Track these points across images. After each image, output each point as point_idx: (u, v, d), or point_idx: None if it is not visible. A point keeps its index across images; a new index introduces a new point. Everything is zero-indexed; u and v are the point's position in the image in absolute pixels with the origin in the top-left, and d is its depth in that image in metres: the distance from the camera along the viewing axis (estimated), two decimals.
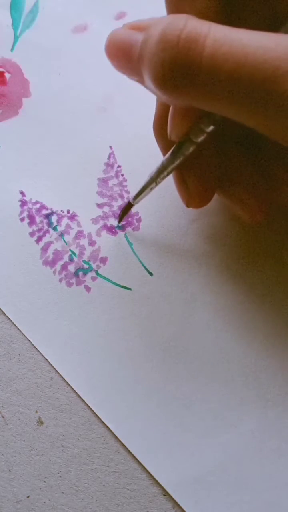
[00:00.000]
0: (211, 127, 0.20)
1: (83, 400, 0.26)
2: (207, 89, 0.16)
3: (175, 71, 0.16)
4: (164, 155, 0.24)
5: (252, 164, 0.23)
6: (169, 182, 0.29)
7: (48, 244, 0.28)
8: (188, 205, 0.24)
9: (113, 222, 0.28)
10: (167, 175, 0.23)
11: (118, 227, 0.28)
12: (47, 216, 0.29)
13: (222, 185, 0.24)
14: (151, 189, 0.24)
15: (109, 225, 0.28)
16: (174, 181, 0.24)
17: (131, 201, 0.26)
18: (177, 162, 0.22)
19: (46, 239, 0.28)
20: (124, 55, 0.19)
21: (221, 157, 0.23)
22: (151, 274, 0.27)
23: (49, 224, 0.28)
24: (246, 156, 0.23)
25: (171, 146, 0.22)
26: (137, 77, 0.19)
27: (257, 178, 0.23)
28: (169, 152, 0.22)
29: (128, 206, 0.27)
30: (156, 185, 0.24)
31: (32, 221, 0.29)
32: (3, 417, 0.26)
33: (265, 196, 0.23)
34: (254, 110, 0.16)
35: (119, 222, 0.28)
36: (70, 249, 0.28)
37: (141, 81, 0.19)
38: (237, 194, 0.23)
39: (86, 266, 0.27)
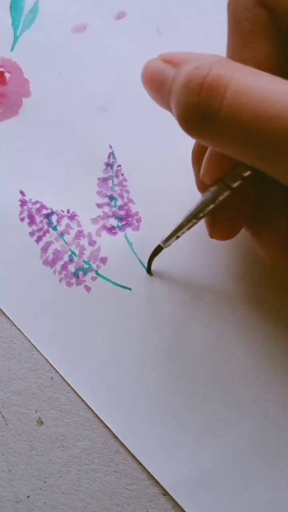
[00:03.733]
0: (248, 172, 0.19)
1: (83, 400, 0.26)
2: (225, 136, 0.17)
3: (196, 116, 0.17)
4: (197, 181, 0.23)
5: (283, 203, 0.22)
6: (169, 182, 0.29)
7: (48, 244, 0.28)
8: (211, 237, 0.23)
9: (113, 222, 0.28)
10: (199, 220, 0.22)
11: (118, 227, 0.28)
12: (47, 216, 0.29)
13: (249, 221, 0.23)
14: (183, 233, 0.23)
15: (109, 225, 0.28)
16: None
17: (162, 244, 0.25)
18: (210, 207, 0.21)
19: (46, 239, 0.28)
20: (157, 88, 0.19)
21: (253, 197, 0.22)
22: (151, 274, 0.27)
23: (49, 224, 0.28)
24: (280, 198, 0.22)
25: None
26: (169, 110, 0.20)
27: (286, 220, 0.22)
28: (202, 198, 0.21)
29: (158, 249, 0.26)
30: (187, 229, 0.23)
31: (32, 221, 0.29)
32: (3, 417, 0.26)
33: None
34: (272, 160, 0.16)
35: (148, 270, 0.27)
36: (70, 249, 0.28)
37: (172, 114, 0.19)
38: (263, 233, 0.22)
39: (86, 266, 0.27)
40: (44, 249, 0.28)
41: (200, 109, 0.17)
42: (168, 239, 0.24)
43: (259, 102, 0.16)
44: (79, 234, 0.28)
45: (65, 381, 0.26)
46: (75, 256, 0.28)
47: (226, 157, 0.19)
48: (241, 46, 0.19)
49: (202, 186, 0.23)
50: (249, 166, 0.19)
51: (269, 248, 0.22)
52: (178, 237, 0.24)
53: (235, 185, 0.20)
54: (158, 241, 0.26)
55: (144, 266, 0.27)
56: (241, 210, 0.22)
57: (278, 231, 0.22)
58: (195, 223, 0.22)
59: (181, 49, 0.30)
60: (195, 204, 0.22)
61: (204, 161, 0.21)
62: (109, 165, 0.29)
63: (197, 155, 0.23)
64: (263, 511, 0.24)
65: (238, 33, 0.19)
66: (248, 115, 0.16)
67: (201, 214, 0.22)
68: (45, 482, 0.25)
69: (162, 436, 0.25)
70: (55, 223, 0.28)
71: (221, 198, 0.21)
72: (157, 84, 0.19)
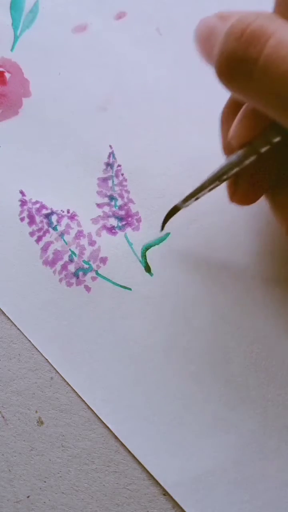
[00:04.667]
0: (278, 138, 0.19)
1: (83, 400, 0.26)
2: (260, 87, 0.16)
3: (232, 64, 0.17)
4: (223, 143, 0.23)
5: None
6: (169, 182, 0.29)
7: (48, 244, 0.28)
8: (231, 200, 0.23)
9: (113, 222, 0.28)
10: (222, 182, 0.22)
11: (118, 227, 0.28)
12: (47, 216, 0.29)
13: (271, 190, 0.23)
14: (203, 194, 0.23)
15: (109, 225, 0.28)
16: None
17: (179, 205, 0.24)
18: (235, 170, 0.21)
19: (46, 239, 0.28)
20: (204, 43, 0.19)
21: (278, 164, 0.22)
22: (151, 274, 0.27)
23: (49, 224, 0.28)
24: None
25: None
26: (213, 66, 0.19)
27: None
28: (227, 160, 0.21)
29: (174, 209, 0.25)
30: (209, 191, 0.22)
31: (32, 221, 0.29)
32: (3, 417, 0.26)
33: None
34: None
35: (162, 227, 0.26)
36: (70, 249, 0.28)
37: None
38: (282, 201, 0.22)
39: (86, 266, 0.27)
40: (44, 249, 0.28)
41: (238, 57, 0.16)
42: (187, 200, 0.23)
43: None
44: (79, 234, 0.28)
45: (65, 381, 0.26)
46: (75, 256, 0.28)
47: (257, 120, 0.19)
48: (286, 6, 0.18)
49: (228, 149, 0.22)
50: (279, 132, 0.18)
51: (287, 218, 0.22)
52: (197, 198, 0.23)
53: (263, 150, 0.19)
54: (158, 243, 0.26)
55: (144, 266, 0.27)
56: (264, 176, 0.22)
57: None
58: (217, 185, 0.22)
59: (181, 49, 0.31)
60: (220, 166, 0.21)
61: (235, 123, 0.20)
62: (109, 165, 0.29)
63: (227, 116, 0.22)
64: (263, 511, 0.24)
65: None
66: (286, 68, 0.15)
67: (225, 177, 0.21)
68: (45, 482, 0.25)
69: (162, 436, 0.25)
70: (55, 223, 0.28)
71: (247, 162, 0.20)
72: (205, 39, 0.19)
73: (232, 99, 0.22)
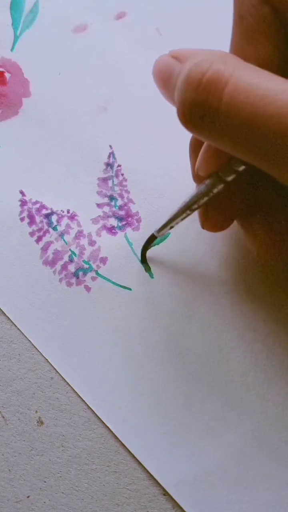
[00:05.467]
0: (242, 167, 0.19)
1: (83, 400, 0.26)
2: (223, 133, 0.17)
3: (193, 112, 0.17)
4: (192, 172, 0.23)
5: (276, 198, 0.22)
6: (169, 182, 0.29)
7: (48, 244, 0.28)
8: (203, 227, 0.23)
9: (113, 222, 0.28)
10: (193, 211, 0.22)
11: (118, 227, 0.28)
12: (47, 216, 0.29)
13: (241, 216, 0.23)
14: (177, 223, 0.24)
15: (109, 225, 0.28)
16: None
17: (155, 234, 0.25)
18: (204, 200, 0.21)
19: (46, 239, 0.28)
20: (164, 83, 0.20)
21: (246, 190, 0.22)
22: (151, 274, 0.27)
23: (49, 224, 0.28)
24: (273, 193, 0.22)
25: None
26: (174, 105, 0.20)
27: (277, 215, 0.22)
28: (196, 190, 0.21)
29: (151, 238, 0.26)
30: (181, 220, 0.23)
31: (32, 221, 0.29)
32: (3, 417, 0.26)
33: (280, 234, 0.22)
34: (270, 159, 0.16)
35: (142, 259, 0.27)
36: (70, 249, 0.28)
37: None
38: (253, 227, 0.23)
39: (86, 266, 0.27)
40: (44, 249, 0.28)
41: (198, 106, 0.17)
42: (162, 229, 0.25)
43: (258, 99, 0.16)
44: (79, 234, 0.28)
45: (65, 381, 0.26)
46: (75, 256, 0.28)
47: (221, 151, 0.19)
48: (244, 43, 0.19)
49: (197, 178, 0.23)
50: (243, 161, 0.19)
51: (258, 241, 0.23)
52: (172, 227, 0.24)
53: (230, 178, 0.20)
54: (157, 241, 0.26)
55: (144, 266, 0.27)
56: (234, 203, 0.22)
57: (268, 226, 0.22)
58: (188, 214, 0.23)
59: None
60: (190, 196, 0.22)
61: (200, 154, 0.21)
62: (109, 165, 0.29)
63: (194, 147, 0.23)
64: (263, 511, 0.24)
65: (242, 29, 0.19)
66: (247, 113, 0.16)
67: (195, 206, 0.22)
68: (45, 482, 0.25)
69: (162, 436, 0.25)
70: (55, 223, 0.28)
71: (215, 191, 0.21)
72: (164, 80, 0.19)
73: None
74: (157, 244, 0.27)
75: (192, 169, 0.23)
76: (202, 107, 0.17)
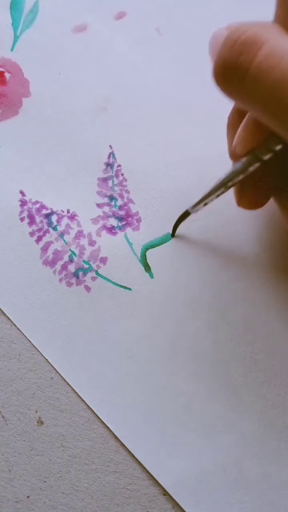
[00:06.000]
0: (280, 146, 0.19)
1: (83, 400, 0.26)
2: (251, 95, 0.17)
3: (225, 71, 0.17)
4: (229, 150, 0.23)
5: None
6: (169, 182, 0.29)
7: (48, 244, 0.28)
8: (239, 205, 0.23)
9: (113, 222, 0.28)
10: (228, 189, 0.22)
11: (118, 227, 0.28)
12: (47, 216, 0.29)
13: (277, 192, 0.23)
14: (211, 200, 0.24)
15: (109, 225, 0.28)
16: None
17: (190, 210, 0.25)
18: (240, 178, 0.21)
19: (46, 239, 0.28)
20: (214, 52, 0.20)
21: (283, 169, 0.22)
22: (151, 274, 0.27)
23: (49, 224, 0.28)
24: None
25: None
26: None
27: None
28: (232, 167, 0.21)
29: (185, 214, 0.26)
30: (216, 197, 0.23)
31: (32, 221, 0.29)
32: (3, 417, 0.26)
33: None
34: None
35: (173, 233, 0.27)
36: (70, 249, 0.28)
37: None
38: None
39: (86, 266, 0.27)
40: (44, 249, 0.28)
41: (230, 65, 0.17)
42: (196, 205, 0.25)
43: None
44: (79, 234, 0.28)
45: (65, 381, 0.26)
46: (75, 256, 0.28)
47: (259, 129, 0.19)
48: (286, 15, 0.19)
49: (234, 156, 0.23)
50: (280, 140, 0.19)
51: None
52: (206, 204, 0.24)
53: (266, 157, 0.20)
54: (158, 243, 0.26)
55: (144, 266, 0.27)
56: (270, 181, 0.22)
57: None
58: (223, 192, 0.23)
59: (181, 49, 0.31)
60: (225, 173, 0.22)
61: (238, 131, 0.21)
62: (109, 165, 0.29)
63: (233, 124, 0.23)
64: (263, 511, 0.24)
65: (286, 2, 0.19)
66: (278, 75, 0.16)
67: (231, 183, 0.22)
68: (45, 482, 0.25)
69: (162, 436, 0.25)
70: (55, 223, 0.28)
71: (251, 169, 0.21)
72: (214, 49, 0.20)
73: (236, 107, 0.23)
74: (158, 245, 0.27)
75: (229, 146, 0.23)
76: (233, 65, 0.17)
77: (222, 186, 0.22)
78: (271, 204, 0.24)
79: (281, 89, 0.16)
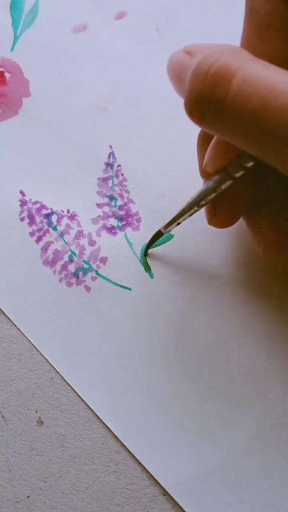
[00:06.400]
0: (251, 163, 0.19)
1: (83, 400, 0.26)
2: (230, 125, 0.17)
3: (200, 104, 0.17)
4: (200, 168, 0.23)
5: (283, 196, 0.22)
6: (169, 182, 0.29)
7: (48, 244, 0.28)
8: (209, 224, 0.23)
9: (113, 222, 0.28)
10: (201, 207, 0.22)
11: (118, 227, 0.28)
12: (47, 216, 0.29)
13: (248, 212, 0.23)
14: (184, 219, 0.24)
15: (109, 225, 0.28)
16: None
17: (162, 230, 0.25)
18: (212, 196, 0.21)
19: (46, 239, 0.28)
20: (176, 78, 0.20)
21: (254, 186, 0.22)
22: (151, 274, 0.27)
23: (49, 224, 0.28)
24: (279, 188, 0.22)
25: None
26: None
27: (283, 213, 0.22)
28: (204, 186, 0.21)
29: (158, 234, 0.26)
30: (189, 216, 0.23)
31: (32, 221, 0.29)
32: (3, 417, 0.26)
33: (286, 232, 0.22)
34: (277, 152, 0.16)
35: (145, 252, 0.27)
36: (70, 249, 0.28)
37: None
38: (258, 222, 0.22)
39: (86, 266, 0.27)
40: (44, 249, 0.28)
41: (204, 97, 0.17)
42: (169, 225, 0.25)
43: (267, 92, 0.15)
44: (79, 234, 0.28)
45: (65, 381, 0.26)
46: (75, 256, 0.28)
47: (229, 147, 0.19)
48: (255, 39, 0.19)
49: (205, 174, 0.23)
50: (252, 156, 0.19)
51: (263, 238, 0.22)
52: (179, 223, 0.24)
53: (238, 175, 0.20)
54: (158, 241, 0.26)
55: (144, 266, 0.27)
56: (241, 199, 0.22)
57: (274, 223, 0.22)
58: (196, 210, 0.23)
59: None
60: (197, 192, 0.22)
61: (208, 150, 0.21)
62: (109, 165, 0.29)
63: (202, 143, 0.23)
64: (263, 511, 0.24)
65: (254, 25, 0.19)
66: (255, 105, 0.16)
67: (203, 202, 0.22)
68: (45, 482, 0.25)
69: (162, 436, 0.25)
70: (55, 223, 0.28)
71: (223, 187, 0.21)
72: (176, 74, 0.19)
73: None
74: (158, 245, 0.27)
75: (199, 165, 0.23)
76: (208, 98, 0.16)
77: (194, 205, 0.22)
78: None
79: (262, 117, 0.15)
